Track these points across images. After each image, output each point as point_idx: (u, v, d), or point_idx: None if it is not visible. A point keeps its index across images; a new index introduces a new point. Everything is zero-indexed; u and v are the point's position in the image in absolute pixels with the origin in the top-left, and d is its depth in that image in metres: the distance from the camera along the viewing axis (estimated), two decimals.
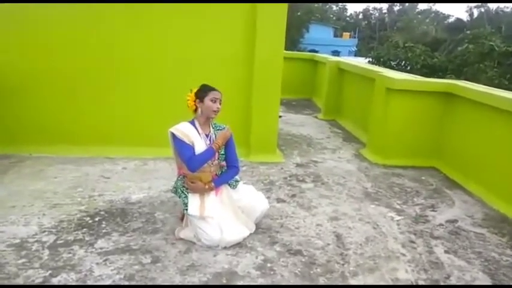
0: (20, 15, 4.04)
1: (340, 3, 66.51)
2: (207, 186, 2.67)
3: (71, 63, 4.10)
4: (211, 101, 2.65)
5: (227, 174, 2.79)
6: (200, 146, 2.64)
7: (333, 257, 2.61)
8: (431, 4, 68.26)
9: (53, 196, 3.25)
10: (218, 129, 2.77)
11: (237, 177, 2.87)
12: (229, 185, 2.80)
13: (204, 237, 2.60)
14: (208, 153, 2.63)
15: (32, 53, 4.06)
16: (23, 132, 4.19)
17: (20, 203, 3.09)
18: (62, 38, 4.07)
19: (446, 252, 2.77)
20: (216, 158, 2.73)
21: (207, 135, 2.72)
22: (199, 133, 2.68)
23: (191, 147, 2.61)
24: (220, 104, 2.69)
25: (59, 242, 2.59)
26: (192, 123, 2.72)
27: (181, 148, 2.61)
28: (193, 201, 2.65)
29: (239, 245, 2.68)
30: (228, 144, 2.78)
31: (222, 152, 2.76)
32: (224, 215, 2.69)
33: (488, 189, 3.72)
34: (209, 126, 2.76)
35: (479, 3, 56.37)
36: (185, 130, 2.66)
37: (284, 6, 4.14)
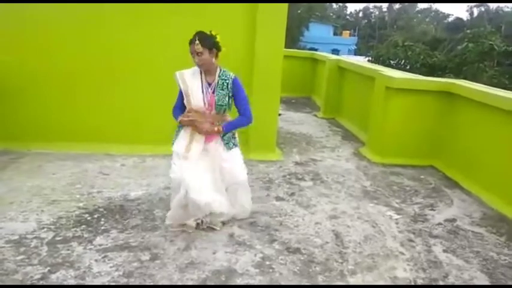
0: (19, 14, 4.03)
1: (341, 2, 66.42)
2: (216, 129, 2.63)
3: (71, 60, 4.10)
4: (191, 54, 2.59)
5: (237, 121, 2.75)
6: (197, 94, 2.65)
7: (332, 255, 2.61)
8: (431, 3, 68.16)
9: (52, 192, 3.24)
10: (223, 79, 2.67)
11: (236, 141, 2.82)
12: (225, 143, 2.74)
13: (171, 170, 2.68)
14: (238, 126, 2.76)
15: (31, 51, 4.05)
16: (22, 128, 4.18)
17: (18, 199, 3.08)
18: (61, 36, 4.06)
19: (444, 251, 2.77)
20: (213, 108, 2.66)
21: (209, 84, 2.67)
22: (201, 80, 2.66)
23: (180, 96, 2.72)
24: (201, 55, 2.53)
25: (57, 238, 2.59)
26: (201, 70, 2.69)
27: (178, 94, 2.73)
28: (182, 140, 2.69)
29: (238, 242, 2.68)
30: (235, 93, 2.70)
31: (220, 103, 2.65)
32: (202, 167, 2.68)
33: (486, 189, 3.73)
34: (214, 75, 2.67)
35: (480, 3, 56.34)
36: (186, 75, 2.68)
37: (284, 5, 4.13)
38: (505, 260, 2.72)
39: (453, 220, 3.26)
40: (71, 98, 4.18)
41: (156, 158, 4.09)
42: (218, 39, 2.62)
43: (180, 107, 2.73)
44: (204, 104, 2.65)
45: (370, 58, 22.56)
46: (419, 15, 63.97)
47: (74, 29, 4.07)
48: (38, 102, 4.17)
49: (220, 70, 2.70)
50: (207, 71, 2.66)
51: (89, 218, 2.87)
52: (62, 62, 4.10)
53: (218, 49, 2.63)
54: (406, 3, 65.81)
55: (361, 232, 2.94)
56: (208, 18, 4.14)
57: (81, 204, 3.07)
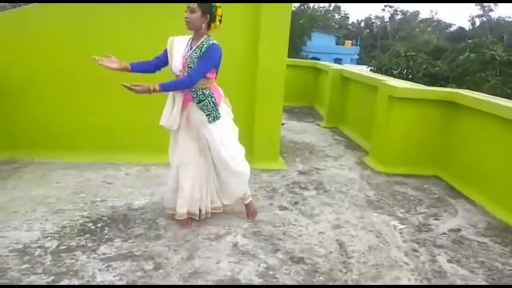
0: (23, 19, 4.09)
1: (343, 12, 66.92)
2: (152, 87, 2.52)
3: (74, 69, 4.12)
4: (185, 10, 2.62)
5: (177, 80, 2.66)
6: (177, 56, 2.70)
7: (336, 265, 2.60)
8: (433, 13, 68.56)
9: (56, 201, 3.25)
10: (203, 44, 2.65)
11: (218, 113, 2.75)
12: (206, 114, 2.72)
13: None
14: (176, 87, 2.68)
15: (35, 59, 4.08)
16: (26, 137, 4.20)
17: (22, 209, 3.09)
18: (64, 44, 4.09)
19: (449, 261, 2.76)
20: (185, 70, 2.67)
21: (191, 48, 2.69)
22: (188, 45, 2.71)
23: (164, 53, 2.77)
24: (191, 11, 2.57)
25: (61, 247, 2.59)
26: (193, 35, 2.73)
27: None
28: (165, 111, 2.77)
29: (241, 251, 2.67)
30: (201, 56, 2.64)
31: (190, 65, 2.64)
32: (189, 151, 2.80)
33: (491, 199, 3.71)
34: (199, 41, 2.69)
35: (481, 12, 56.61)
36: (176, 39, 2.74)
37: (288, 12, 4.17)
38: (511, 270, 2.69)
39: (458, 230, 3.24)
40: (74, 107, 4.21)
41: (159, 166, 4.09)
42: (219, 12, 2.67)
43: (155, 61, 2.79)
44: (182, 65, 2.68)
45: (372, 67, 22.65)
46: (421, 24, 64.34)
47: (77, 35, 4.09)
48: (41, 112, 4.19)
49: (207, 37, 2.71)
50: (194, 35, 2.70)
51: (92, 227, 2.88)
52: (66, 71, 4.13)
53: (212, 18, 2.66)
54: (408, 13, 66.23)
55: (365, 242, 2.93)
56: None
57: (85, 213, 3.08)
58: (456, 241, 3.05)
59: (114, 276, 2.33)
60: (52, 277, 2.28)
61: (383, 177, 4.41)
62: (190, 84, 2.63)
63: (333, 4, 66.88)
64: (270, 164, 4.41)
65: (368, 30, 66.72)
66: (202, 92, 2.72)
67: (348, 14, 74.40)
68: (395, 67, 21.68)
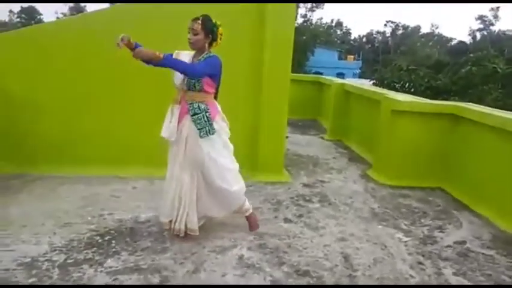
0: (32, 37, 4.20)
1: (345, 28, 67.62)
2: (157, 53, 2.53)
3: (83, 84, 4.21)
4: (188, 29, 2.70)
5: (181, 62, 2.68)
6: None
7: (341, 279, 2.60)
8: (434, 27, 69.12)
9: (64, 215, 3.29)
10: (204, 57, 2.75)
11: (213, 129, 2.76)
12: (198, 128, 2.74)
13: None
14: (177, 65, 2.66)
15: (44, 75, 4.17)
16: (36, 152, 4.26)
17: (31, 222, 3.13)
18: (71, 59, 4.18)
19: (455, 274, 2.75)
20: (184, 81, 2.74)
21: (193, 62, 2.78)
22: (191, 61, 2.79)
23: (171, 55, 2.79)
24: (194, 34, 2.67)
25: (69, 261, 2.62)
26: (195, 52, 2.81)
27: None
28: (165, 121, 2.84)
29: (247, 265, 2.69)
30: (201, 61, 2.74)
31: (192, 79, 2.70)
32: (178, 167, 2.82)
33: (495, 211, 3.71)
34: (201, 55, 2.78)
35: (482, 26, 57.01)
36: (180, 54, 2.82)
37: (292, 25, 4.26)
38: None
39: (463, 242, 3.24)
40: (83, 121, 4.28)
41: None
42: (220, 31, 2.77)
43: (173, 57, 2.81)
44: (183, 78, 2.76)
45: (374, 81, 22.76)
46: (422, 39, 64.82)
47: (86, 50, 4.18)
48: (50, 126, 4.27)
49: (207, 52, 2.79)
50: (196, 53, 2.80)
51: (100, 241, 2.91)
52: (74, 86, 4.21)
53: (214, 38, 2.77)
54: (409, 28, 66.78)
55: (370, 255, 2.93)
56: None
57: (92, 227, 3.11)
58: (462, 254, 3.04)
59: (126, 284, 2.35)
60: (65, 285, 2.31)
61: (387, 189, 4.42)
62: (192, 72, 2.69)
63: (335, 20, 67.75)
64: (275, 176, 4.44)
65: (370, 45, 67.27)
66: (198, 106, 2.77)
67: (349, 29, 75.12)
68: (398, 81, 21.78)
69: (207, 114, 2.78)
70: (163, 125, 2.86)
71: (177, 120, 2.81)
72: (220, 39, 2.82)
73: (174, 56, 2.81)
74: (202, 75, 2.72)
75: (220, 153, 2.86)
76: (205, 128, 2.76)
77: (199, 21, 2.68)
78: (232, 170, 2.95)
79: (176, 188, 2.85)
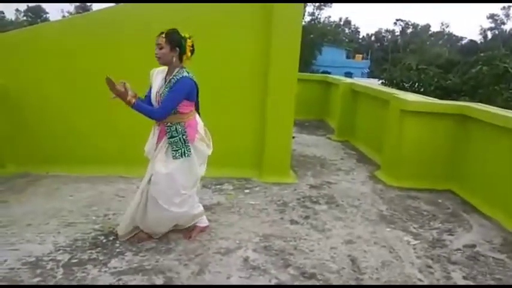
0: (37, 38, 4.20)
1: (353, 27, 67.27)
2: (129, 99, 2.54)
3: (87, 83, 4.20)
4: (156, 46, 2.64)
5: (147, 108, 2.65)
6: (154, 89, 2.73)
7: (348, 282, 2.56)
8: (444, 26, 68.46)
9: (68, 215, 3.28)
10: (175, 77, 2.66)
11: (188, 151, 2.70)
12: (172, 149, 2.69)
13: None
14: (141, 111, 2.64)
15: (48, 76, 4.19)
16: (40, 151, 4.28)
17: (35, 221, 3.13)
18: (79, 60, 4.19)
19: (464, 278, 2.69)
20: (159, 103, 2.69)
21: (165, 82, 2.72)
22: (164, 79, 2.73)
23: (149, 90, 2.80)
24: (160, 48, 2.60)
25: (73, 260, 2.61)
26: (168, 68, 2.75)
27: None
28: (149, 138, 2.85)
29: (252, 266, 2.65)
30: (168, 93, 2.64)
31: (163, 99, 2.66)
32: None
33: (506, 214, 3.63)
34: (172, 73, 2.70)
35: (493, 25, 56.31)
36: (155, 72, 2.78)
37: (299, 25, 4.21)
38: None
39: (472, 246, 3.17)
40: (88, 121, 4.29)
41: None
42: (189, 43, 2.68)
43: (148, 99, 2.79)
44: (156, 99, 2.72)
45: (383, 81, 22.57)
46: (432, 38, 64.21)
47: (90, 50, 4.18)
48: (55, 126, 4.28)
49: (179, 70, 2.70)
50: (169, 69, 2.73)
51: (104, 240, 2.89)
52: (79, 87, 4.22)
53: (182, 51, 2.66)
54: (419, 27, 66.20)
55: (378, 257, 2.88)
56: (222, 38, 4.24)
57: (96, 227, 3.10)
58: (471, 257, 2.98)
59: (125, 284, 2.33)
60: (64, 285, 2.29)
61: (395, 191, 4.35)
62: (158, 117, 2.66)
63: (343, 18, 67.45)
64: (281, 177, 4.40)
65: (378, 44, 66.80)
66: (176, 128, 2.70)
67: (358, 28, 74.75)
68: (407, 80, 21.57)
69: (184, 137, 2.71)
70: (147, 142, 2.87)
71: (155, 140, 2.79)
72: (191, 52, 2.71)
73: (150, 75, 2.78)
74: (171, 111, 2.65)
75: (182, 177, 2.75)
76: (181, 149, 2.70)
77: (163, 35, 2.60)
78: (183, 194, 2.80)
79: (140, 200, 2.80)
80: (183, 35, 2.66)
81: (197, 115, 2.89)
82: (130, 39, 4.15)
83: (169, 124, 2.71)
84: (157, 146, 2.77)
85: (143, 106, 2.64)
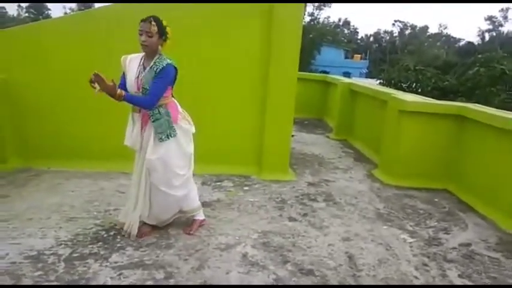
0: (39, 35, 4.22)
1: (352, 27, 67.34)
2: (118, 92, 2.55)
3: (88, 78, 4.22)
4: (139, 33, 2.63)
5: (138, 97, 2.68)
6: (131, 76, 2.72)
7: (345, 279, 2.60)
8: (442, 28, 68.61)
9: (70, 210, 3.31)
10: (157, 64, 2.66)
11: (173, 131, 2.74)
12: (157, 132, 2.70)
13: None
14: (133, 103, 2.70)
15: (51, 72, 4.21)
16: (42, 146, 4.30)
17: (37, 216, 3.15)
18: (81, 55, 4.20)
19: (460, 276, 2.73)
20: (140, 90, 2.70)
21: (144, 68, 2.70)
22: (140, 64, 2.72)
23: (123, 77, 2.79)
24: (149, 36, 2.60)
25: (74, 255, 2.64)
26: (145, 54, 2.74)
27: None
28: (127, 130, 2.84)
29: (251, 262, 2.69)
30: (155, 77, 2.65)
31: (145, 86, 2.67)
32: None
33: (502, 213, 3.68)
34: (152, 60, 2.70)
35: (491, 27, 56.49)
36: (128, 58, 2.76)
37: (299, 24, 4.24)
38: None
39: (468, 244, 3.22)
40: (89, 117, 4.30)
41: None
42: (169, 31, 2.73)
43: (123, 87, 2.77)
44: (136, 86, 2.72)
45: (381, 81, 22.62)
46: (430, 39, 64.37)
47: (91, 46, 4.20)
48: (57, 122, 4.29)
49: (159, 56, 2.73)
50: (148, 55, 2.72)
51: (105, 235, 2.92)
52: (80, 82, 4.21)
53: (165, 39, 2.73)
54: (417, 28, 66.34)
55: (375, 255, 2.92)
56: (222, 36, 4.27)
57: (98, 222, 3.13)
58: (467, 256, 3.02)
59: (125, 284, 2.36)
60: (64, 285, 2.32)
61: (392, 190, 4.40)
62: (149, 106, 2.68)
63: (342, 19, 67.49)
64: (280, 175, 4.44)
65: (377, 45, 66.88)
66: (158, 111, 2.71)
67: (357, 28, 74.80)
68: (405, 81, 21.62)
69: (169, 118, 2.74)
70: (126, 134, 2.84)
71: (139, 128, 2.79)
72: (169, 39, 2.75)
73: (123, 62, 2.77)
74: (160, 97, 2.68)
75: (174, 157, 2.79)
76: (166, 131, 2.72)
77: (154, 23, 2.60)
78: (182, 176, 2.86)
79: (137, 193, 2.84)
80: (162, 21, 2.71)
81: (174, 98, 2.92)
82: (130, 38, 4.17)
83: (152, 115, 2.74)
84: (143, 134, 2.78)
85: (134, 96, 2.67)
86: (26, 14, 57.92)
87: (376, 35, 70.02)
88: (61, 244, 2.76)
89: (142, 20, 2.62)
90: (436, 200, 4.19)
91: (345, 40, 56.75)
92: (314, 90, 8.84)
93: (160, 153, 2.73)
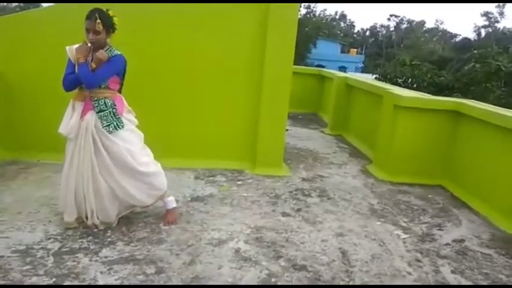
0: (29, 24, 4.13)
1: (348, 21, 67.16)
2: (85, 58, 2.68)
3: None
4: (85, 32, 2.67)
5: (86, 71, 2.68)
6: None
7: (338, 274, 2.58)
8: (438, 23, 68.68)
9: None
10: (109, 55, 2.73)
11: (120, 123, 2.77)
12: (104, 125, 2.72)
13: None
14: (80, 71, 2.69)
15: (41, 62, 4.11)
16: (32, 138, 4.23)
17: (26, 210, 3.10)
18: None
19: (452, 272, 2.73)
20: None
21: (93, 57, 2.74)
22: (91, 56, 2.75)
23: (71, 66, 2.77)
24: (96, 34, 2.64)
25: (63, 249, 2.59)
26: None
27: (66, 65, 2.79)
28: (65, 118, 2.81)
29: (243, 258, 2.66)
30: (103, 65, 2.71)
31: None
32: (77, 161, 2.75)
33: (495, 210, 3.69)
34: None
35: (487, 23, 56.65)
36: (76, 49, 2.75)
37: (295, 19, 4.20)
38: None
39: (461, 241, 3.22)
40: None
41: (164, 170, 4.09)
42: (115, 20, 2.74)
43: (73, 72, 2.79)
44: None
45: (377, 76, 22.63)
46: (426, 34, 64.45)
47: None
48: (47, 114, 4.17)
49: (109, 47, 2.77)
50: (95, 47, 2.74)
51: (95, 230, 2.87)
52: None
53: (114, 30, 2.76)
54: (414, 23, 66.33)
55: (368, 251, 2.91)
56: (217, 31, 4.22)
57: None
58: (460, 252, 3.02)
59: (115, 279, 2.33)
60: (54, 279, 2.28)
61: (387, 185, 4.39)
62: (90, 84, 2.70)
63: (338, 12, 67.30)
64: (274, 170, 4.40)
65: (373, 39, 66.86)
66: (104, 102, 2.75)
67: (353, 22, 74.73)
68: (400, 76, 21.64)
69: (114, 110, 2.78)
70: (63, 121, 2.81)
71: (79, 116, 2.76)
72: (116, 29, 2.78)
73: (69, 54, 2.78)
74: (103, 81, 2.73)
75: (132, 143, 2.85)
76: (113, 123, 2.75)
77: (99, 20, 2.61)
78: (145, 154, 2.93)
79: (78, 185, 2.77)
80: (107, 12, 2.70)
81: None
82: (124, 27, 4.10)
83: (96, 98, 2.76)
84: (81, 124, 2.74)
85: (87, 68, 2.69)
86: (16, 4, 57.02)
87: (373, 29, 69.98)
88: (50, 238, 2.72)
89: (87, 18, 2.64)
90: (430, 196, 4.18)
91: (341, 34, 56.64)
92: (309, 85, 8.80)
93: (122, 142, 2.77)
